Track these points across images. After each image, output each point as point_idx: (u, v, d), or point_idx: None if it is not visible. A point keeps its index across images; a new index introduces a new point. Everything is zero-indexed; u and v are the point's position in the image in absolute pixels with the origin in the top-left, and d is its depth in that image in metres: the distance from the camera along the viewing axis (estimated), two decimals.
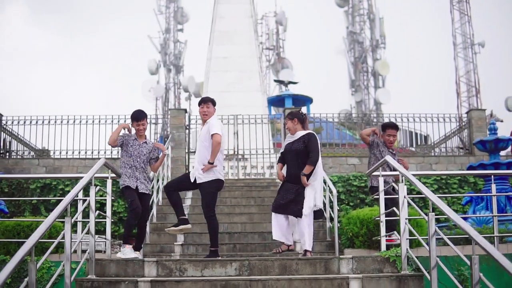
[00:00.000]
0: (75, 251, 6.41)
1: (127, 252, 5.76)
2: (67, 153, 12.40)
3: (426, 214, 4.39)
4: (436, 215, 4.49)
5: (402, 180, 5.03)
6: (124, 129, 6.42)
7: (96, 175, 5.16)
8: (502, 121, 20.18)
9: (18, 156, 12.75)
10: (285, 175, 6.28)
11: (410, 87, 54.28)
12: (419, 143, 16.03)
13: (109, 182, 5.53)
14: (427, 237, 4.46)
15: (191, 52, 52.58)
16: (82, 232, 5.26)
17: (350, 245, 7.56)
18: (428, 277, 4.33)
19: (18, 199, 10.74)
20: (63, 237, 4.43)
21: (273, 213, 6.23)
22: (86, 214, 6.05)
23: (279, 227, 6.18)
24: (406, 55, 55.32)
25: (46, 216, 10.20)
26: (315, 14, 56.08)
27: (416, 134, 16.02)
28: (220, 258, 5.58)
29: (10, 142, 12.84)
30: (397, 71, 55.93)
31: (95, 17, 62.39)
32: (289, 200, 6.03)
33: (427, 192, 4.37)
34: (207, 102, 6.12)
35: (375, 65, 36.64)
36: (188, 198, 9.84)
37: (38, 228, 3.59)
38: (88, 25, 62.10)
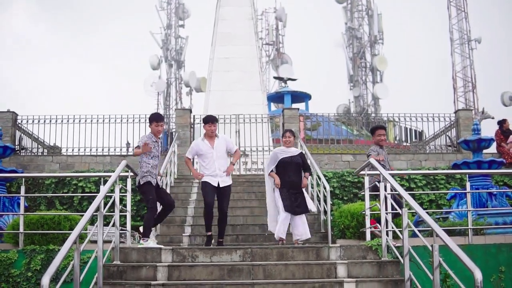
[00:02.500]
0: (91, 240, 7.19)
1: (149, 243, 6.52)
2: (79, 150, 13.18)
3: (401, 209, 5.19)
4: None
5: (381, 179, 5.83)
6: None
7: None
8: (493, 118, 20.88)
9: (32, 154, 13.51)
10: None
11: (407, 82, 55.01)
12: (413, 139, 16.82)
13: (129, 181, 6.33)
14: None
15: (192, 48, 53.15)
16: (108, 225, 6.04)
17: (341, 236, 8.37)
18: (402, 261, 5.14)
19: (36, 195, 11.48)
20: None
21: (283, 214, 7.36)
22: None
23: (284, 226, 7.38)
24: (404, 50, 55.96)
25: (61, 210, 11.04)
26: (314, 10, 56.64)
27: (411, 130, 16.84)
28: (226, 246, 6.45)
29: (21, 139, 13.56)
30: (395, 66, 56.60)
31: (98, 14, 63.00)
32: (298, 203, 7.47)
33: (401, 190, 5.17)
34: (214, 122, 7.23)
35: (373, 60, 37.27)
36: (194, 193, 10.63)
37: (80, 221, 4.35)
38: (90, 21, 62.68)
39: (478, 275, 3.53)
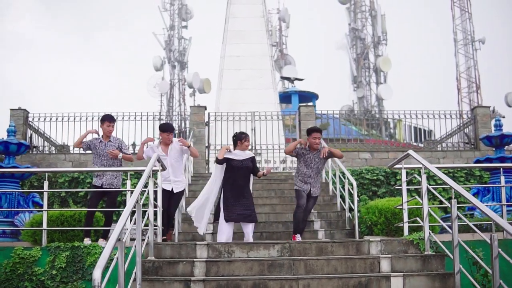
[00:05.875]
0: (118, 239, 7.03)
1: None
2: None
3: (449, 202, 5.01)
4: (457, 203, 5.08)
5: (423, 172, 5.65)
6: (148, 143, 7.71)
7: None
8: (504, 117, 20.87)
9: (44, 152, 13.31)
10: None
11: (411, 83, 54.94)
12: (423, 138, 16.64)
13: (159, 175, 6.14)
14: (440, 224, 5.09)
15: (196, 49, 53.07)
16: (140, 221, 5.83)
17: (369, 233, 8.19)
18: (451, 256, 4.96)
19: (51, 191, 11.27)
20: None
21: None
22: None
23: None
24: (408, 51, 55.95)
25: (74, 207, 10.83)
26: (318, 11, 56.60)
27: (420, 129, 16.65)
28: (263, 241, 6.27)
29: (31, 137, 13.37)
30: (399, 67, 56.56)
31: (101, 14, 62.88)
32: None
33: (450, 182, 4.99)
34: (172, 131, 7.52)
35: (377, 61, 37.19)
36: None
37: (121, 217, 4.13)
38: (94, 22, 62.58)
39: None
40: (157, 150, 7.32)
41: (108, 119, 7.44)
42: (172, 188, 7.29)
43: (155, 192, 6.09)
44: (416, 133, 17.18)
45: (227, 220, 6.98)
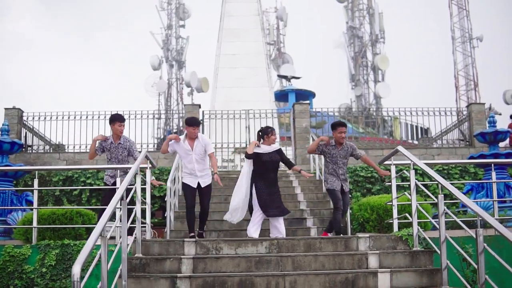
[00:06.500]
0: (111, 238, 7.00)
1: None
2: (86, 147, 12.96)
3: (436, 197, 4.99)
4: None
5: (411, 168, 5.63)
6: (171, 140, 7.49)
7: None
8: (500, 114, 20.82)
9: (39, 151, 13.29)
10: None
11: (409, 81, 54.92)
12: (419, 136, 16.62)
13: (148, 172, 6.11)
14: (428, 220, 5.07)
15: (193, 48, 53.08)
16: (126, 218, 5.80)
17: (361, 230, 8.17)
18: (438, 252, 4.94)
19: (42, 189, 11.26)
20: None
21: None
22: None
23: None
24: (406, 49, 55.94)
25: (68, 206, 10.81)
26: (315, 10, 56.54)
27: (416, 127, 16.63)
28: (251, 238, 6.24)
29: (26, 136, 13.34)
30: (397, 65, 56.49)
31: (101, 14, 62.87)
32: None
33: (438, 177, 4.97)
34: (198, 125, 7.36)
35: (374, 59, 37.16)
36: None
37: (104, 213, 4.12)
38: (94, 22, 62.59)
39: None
40: (183, 144, 7.26)
41: (119, 119, 7.31)
42: (198, 183, 7.21)
43: (144, 189, 6.06)
44: (413, 130, 17.16)
45: (268, 215, 7.09)
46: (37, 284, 6.63)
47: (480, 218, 4.15)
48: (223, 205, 9.00)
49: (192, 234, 7.14)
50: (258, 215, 7.15)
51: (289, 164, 7.61)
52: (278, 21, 39.74)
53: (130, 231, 6.52)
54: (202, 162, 7.31)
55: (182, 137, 7.41)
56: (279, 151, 7.48)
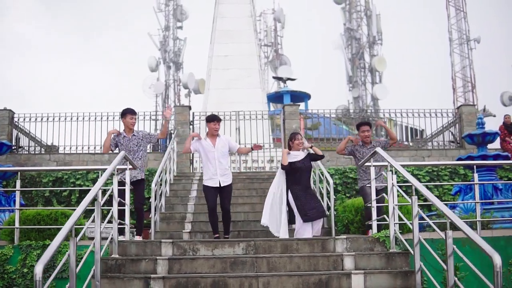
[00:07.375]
0: (89, 237, 7.00)
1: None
2: (76, 148, 12.99)
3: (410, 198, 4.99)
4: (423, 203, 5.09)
5: (390, 169, 5.64)
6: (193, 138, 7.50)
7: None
8: (494, 115, 20.84)
9: (30, 152, 13.30)
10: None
11: (406, 83, 54.92)
12: (414, 137, 16.62)
13: (127, 173, 6.12)
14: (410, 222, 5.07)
15: (191, 49, 53.16)
16: (99, 218, 5.82)
17: (345, 231, 8.17)
18: (413, 253, 4.94)
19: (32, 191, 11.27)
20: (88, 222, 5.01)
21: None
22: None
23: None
24: (403, 51, 55.95)
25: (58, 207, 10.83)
26: (313, 11, 56.65)
27: (411, 128, 16.64)
28: (228, 239, 6.25)
29: (18, 138, 13.36)
30: (394, 67, 56.59)
31: (101, 15, 63.00)
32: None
33: (411, 179, 4.98)
34: (219, 121, 7.31)
35: (372, 61, 37.20)
36: (194, 190, 10.43)
37: (75, 212, 4.14)
38: (94, 22, 62.71)
39: (497, 259, 3.34)
40: (205, 142, 7.21)
41: (130, 112, 7.26)
42: (219, 183, 7.12)
43: (123, 190, 6.07)
44: (407, 132, 17.17)
45: (306, 221, 7.05)
46: (17, 284, 6.63)
47: (449, 220, 4.15)
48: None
49: (217, 235, 7.12)
50: (299, 221, 7.12)
51: (319, 156, 7.58)
52: (276, 22, 39.74)
53: (122, 232, 6.59)
54: (224, 160, 7.24)
55: (203, 135, 7.40)
56: (309, 156, 7.49)
